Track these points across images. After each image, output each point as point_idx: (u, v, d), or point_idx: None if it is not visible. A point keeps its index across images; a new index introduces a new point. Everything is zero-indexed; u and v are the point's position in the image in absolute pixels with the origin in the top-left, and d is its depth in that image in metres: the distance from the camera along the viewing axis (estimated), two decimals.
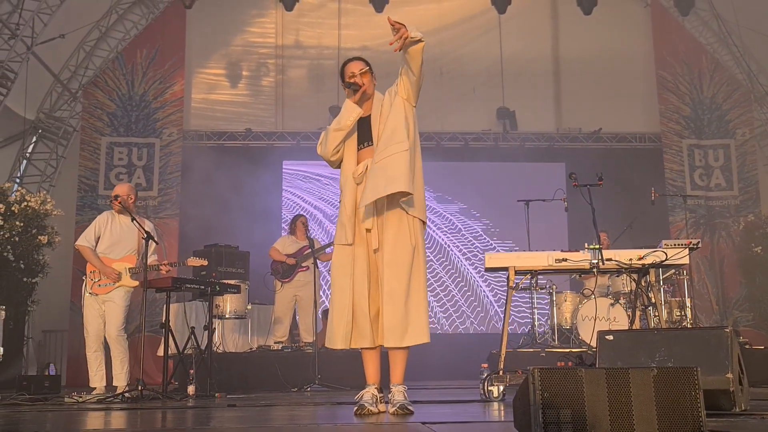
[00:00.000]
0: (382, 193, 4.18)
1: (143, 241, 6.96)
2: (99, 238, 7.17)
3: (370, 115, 4.47)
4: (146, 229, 6.96)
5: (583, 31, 12.99)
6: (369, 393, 4.22)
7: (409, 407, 4.10)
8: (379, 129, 4.38)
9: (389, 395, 4.22)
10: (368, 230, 4.29)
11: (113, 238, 7.16)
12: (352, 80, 4.41)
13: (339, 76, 4.56)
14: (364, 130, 4.45)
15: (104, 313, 7.08)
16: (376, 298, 4.25)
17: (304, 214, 10.09)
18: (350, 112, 4.38)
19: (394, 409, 4.08)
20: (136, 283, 7.00)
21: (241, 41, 13.66)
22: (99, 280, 7.05)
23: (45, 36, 11.50)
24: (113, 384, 6.96)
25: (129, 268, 7.06)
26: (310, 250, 8.98)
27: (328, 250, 9.41)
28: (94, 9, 12.53)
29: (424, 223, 4.42)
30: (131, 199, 7.25)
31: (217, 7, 12.94)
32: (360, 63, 4.50)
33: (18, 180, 12.70)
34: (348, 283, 4.27)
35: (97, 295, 7.05)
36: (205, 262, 7.51)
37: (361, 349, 4.31)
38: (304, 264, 9.37)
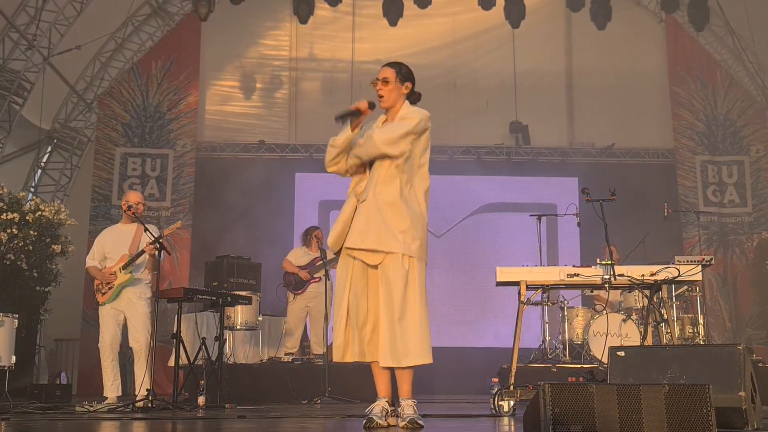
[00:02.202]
0: (361, 245, 4.20)
1: (138, 241, 7.09)
2: (104, 253, 7.31)
3: None
4: (155, 236, 7.04)
5: (596, 46, 12.98)
6: (379, 406, 4.20)
7: (419, 421, 4.08)
8: None
9: (399, 409, 4.21)
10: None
11: (113, 248, 7.27)
12: (356, 107, 4.32)
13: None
14: None
15: (122, 323, 7.16)
16: (376, 312, 4.23)
17: (316, 226, 10.10)
18: (343, 132, 4.39)
19: (404, 423, 4.06)
20: (129, 276, 7.07)
21: (255, 53, 13.72)
22: (101, 289, 7.18)
23: (61, 47, 11.61)
24: (137, 392, 6.96)
25: (120, 267, 7.14)
26: (322, 261, 9.00)
27: None
28: (111, 21, 12.63)
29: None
30: (140, 207, 7.32)
31: (231, 20, 13.00)
32: (387, 70, 4.42)
33: (33, 189, 12.78)
34: (344, 296, 4.26)
35: (104, 304, 7.16)
36: (179, 224, 7.49)
37: (370, 362, 4.29)
38: (316, 275, 9.38)
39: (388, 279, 4.14)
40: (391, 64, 4.46)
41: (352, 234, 4.24)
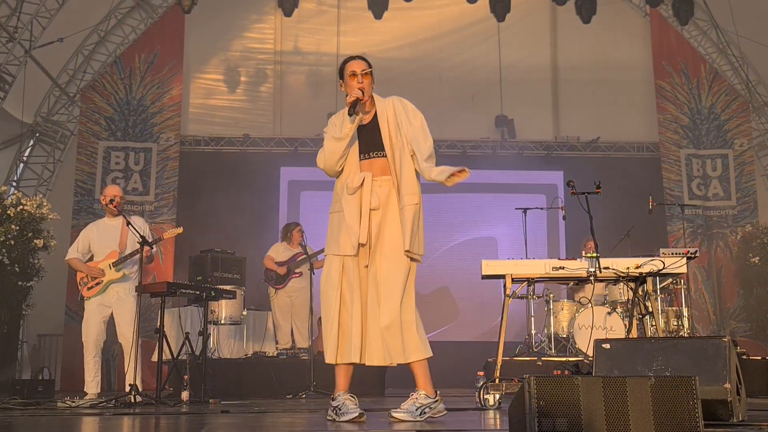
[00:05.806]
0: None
1: (126, 236, 7.03)
2: (89, 247, 7.26)
3: (371, 122, 4.34)
4: (138, 227, 6.98)
5: (582, 40, 13.00)
6: (349, 401, 4.16)
7: (396, 415, 4.12)
8: (391, 138, 4.28)
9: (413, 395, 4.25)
10: (362, 245, 4.23)
11: (100, 242, 7.23)
12: (353, 97, 4.21)
13: (338, 73, 4.43)
14: (366, 139, 4.32)
15: (108, 318, 7.12)
16: (365, 313, 4.20)
17: (302, 220, 10.10)
18: (348, 123, 4.24)
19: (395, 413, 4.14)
20: (121, 274, 7.09)
21: (239, 47, 13.65)
22: (87, 283, 7.13)
23: (43, 40, 11.48)
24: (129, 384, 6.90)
25: (111, 263, 7.11)
26: (303, 256, 9.00)
27: (320, 256, 9.38)
28: (93, 13, 12.51)
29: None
30: (118, 199, 7.26)
31: (215, 13, 12.91)
32: (362, 63, 4.36)
33: (15, 183, 12.66)
34: (335, 296, 4.21)
35: (89, 298, 7.11)
36: (181, 230, 7.46)
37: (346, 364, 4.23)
38: (297, 270, 9.41)
39: (389, 275, 4.18)
40: (361, 57, 4.43)
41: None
